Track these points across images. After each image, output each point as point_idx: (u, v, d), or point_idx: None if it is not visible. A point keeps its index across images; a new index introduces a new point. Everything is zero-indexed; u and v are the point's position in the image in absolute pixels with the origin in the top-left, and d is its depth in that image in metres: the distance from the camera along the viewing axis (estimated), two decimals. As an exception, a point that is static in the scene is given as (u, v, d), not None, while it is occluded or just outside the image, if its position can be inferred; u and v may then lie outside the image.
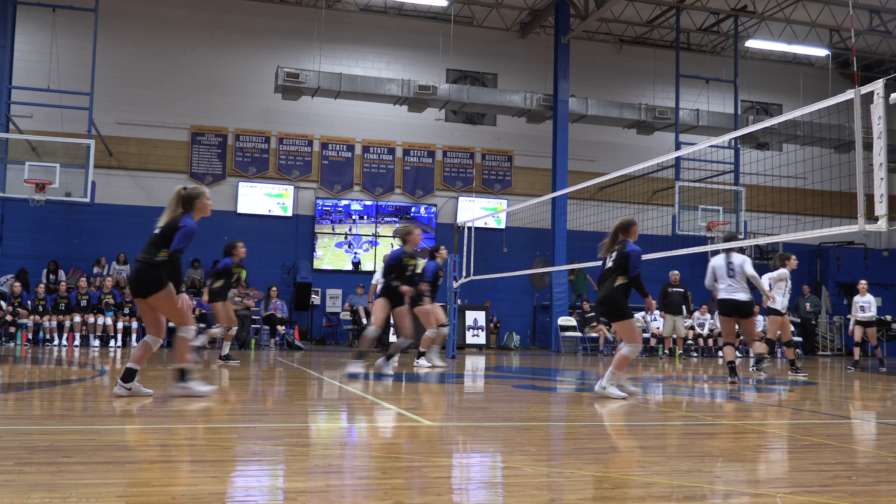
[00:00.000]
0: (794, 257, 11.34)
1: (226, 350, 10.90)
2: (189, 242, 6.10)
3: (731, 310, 9.03)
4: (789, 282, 11.18)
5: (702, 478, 3.55)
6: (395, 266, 9.26)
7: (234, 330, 11.04)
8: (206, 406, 5.85)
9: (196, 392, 6.06)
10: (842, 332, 20.95)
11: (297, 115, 19.47)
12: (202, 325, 15.86)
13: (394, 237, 11.28)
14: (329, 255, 19.51)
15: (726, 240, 9.34)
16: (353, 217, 19.63)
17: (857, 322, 13.46)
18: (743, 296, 9.00)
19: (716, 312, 13.18)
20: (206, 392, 6.15)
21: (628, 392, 6.98)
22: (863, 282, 13.66)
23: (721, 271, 9.13)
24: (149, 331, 6.07)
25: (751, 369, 10.93)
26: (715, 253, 9.65)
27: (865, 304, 13.29)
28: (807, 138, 20.05)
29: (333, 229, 19.46)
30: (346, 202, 19.55)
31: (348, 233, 19.53)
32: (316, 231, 19.33)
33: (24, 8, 16.88)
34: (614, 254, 7.02)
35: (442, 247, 11.11)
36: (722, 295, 9.13)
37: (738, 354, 17.77)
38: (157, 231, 6.05)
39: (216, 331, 10.82)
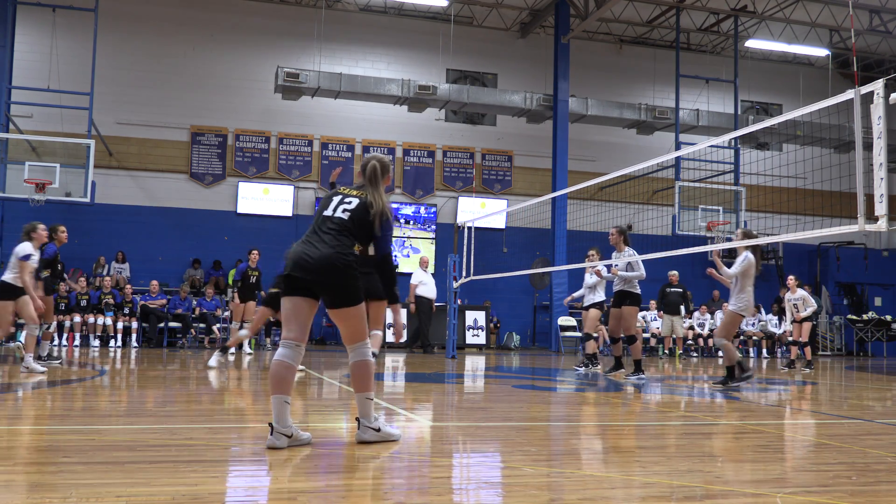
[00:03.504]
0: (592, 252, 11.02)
1: (46, 350, 9.80)
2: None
3: None
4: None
5: (702, 478, 3.55)
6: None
7: (52, 328, 10.20)
8: (207, 406, 5.85)
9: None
10: (842, 332, 20.97)
11: (297, 115, 19.46)
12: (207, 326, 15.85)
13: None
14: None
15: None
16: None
17: (794, 320, 13.03)
18: None
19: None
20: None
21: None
22: (791, 277, 13.32)
23: None
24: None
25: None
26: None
27: (798, 302, 12.95)
28: (807, 138, 20.05)
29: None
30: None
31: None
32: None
33: (24, 8, 16.87)
34: (353, 201, 4.28)
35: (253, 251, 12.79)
36: None
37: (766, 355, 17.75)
38: None
39: (51, 330, 10.10)
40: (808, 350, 13.16)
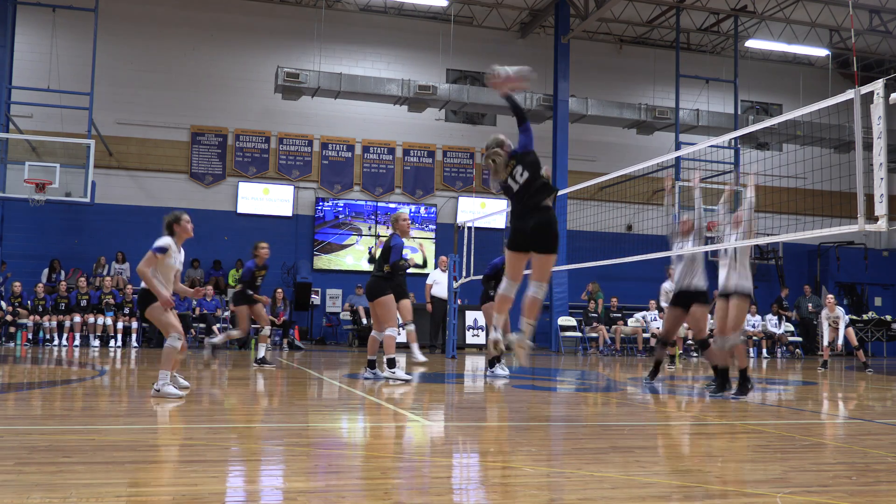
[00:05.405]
0: None
1: (261, 353, 10.40)
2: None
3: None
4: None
5: (702, 478, 3.55)
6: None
7: (267, 331, 10.59)
8: (207, 406, 5.84)
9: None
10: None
11: (297, 115, 19.46)
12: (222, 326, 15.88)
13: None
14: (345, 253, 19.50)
15: None
16: (368, 218, 19.65)
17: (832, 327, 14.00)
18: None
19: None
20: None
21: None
22: (830, 297, 14.03)
23: None
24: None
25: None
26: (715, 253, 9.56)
27: (837, 318, 13.78)
28: (807, 138, 20.04)
29: (371, 229, 19.49)
30: (345, 202, 19.54)
31: (350, 230, 19.52)
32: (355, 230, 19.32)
33: (24, 8, 16.87)
34: (527, 173, 5.66)
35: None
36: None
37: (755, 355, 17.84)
38: None
39: (235, 333, 10.80)
40: (860, 353, 13.75)
